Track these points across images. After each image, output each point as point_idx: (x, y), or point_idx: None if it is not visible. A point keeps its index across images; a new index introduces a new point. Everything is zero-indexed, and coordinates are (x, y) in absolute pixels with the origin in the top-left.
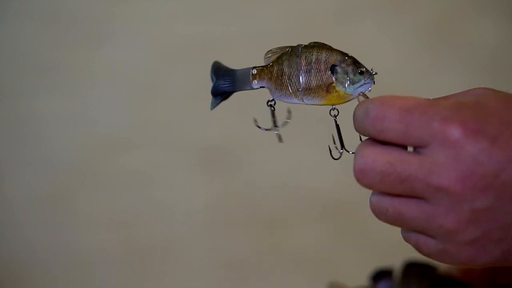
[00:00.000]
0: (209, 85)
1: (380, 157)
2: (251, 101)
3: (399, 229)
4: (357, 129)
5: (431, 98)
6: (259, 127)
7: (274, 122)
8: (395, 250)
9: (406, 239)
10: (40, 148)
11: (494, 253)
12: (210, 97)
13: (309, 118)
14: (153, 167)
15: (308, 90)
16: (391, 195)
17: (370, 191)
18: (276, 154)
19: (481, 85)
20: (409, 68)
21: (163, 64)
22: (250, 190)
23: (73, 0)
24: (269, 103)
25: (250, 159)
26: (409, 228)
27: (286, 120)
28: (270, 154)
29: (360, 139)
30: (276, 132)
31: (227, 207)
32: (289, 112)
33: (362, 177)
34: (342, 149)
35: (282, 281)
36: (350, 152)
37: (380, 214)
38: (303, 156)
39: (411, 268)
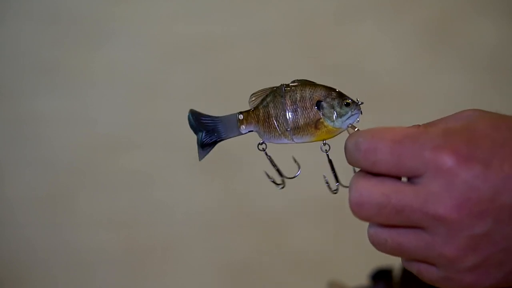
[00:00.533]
0: (209, 85)
1: (374, 190)
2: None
3: None
4: (349, 162)
5: (428, 98)
6: (273, 181)
7: (278, 171)
8: None
9: (408, 268)
10: (40, 148)
11: (496, 276)
12: (210, 97)
13: None
14: (153, 167)
15: (297, 129)
16: (389, 226)
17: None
18: (276, 154)
19: (481, 85)
20: (409, 68)
21: (163, 64)
22: (250, 190)
23: (73, 0)
24: (260, 146)
25: (250, 159)
26: (409, 258)
27: (297, 174)
28: (270, 154)
29: (354, 171)
30: (280, 186)
31: (227, 207)
32: (296, 162)
33: (358, 210)
34: (337, 184)
35: (282, 281)
36: (347, 187)
37: (379, 245)
38: (303, 156)
39: None
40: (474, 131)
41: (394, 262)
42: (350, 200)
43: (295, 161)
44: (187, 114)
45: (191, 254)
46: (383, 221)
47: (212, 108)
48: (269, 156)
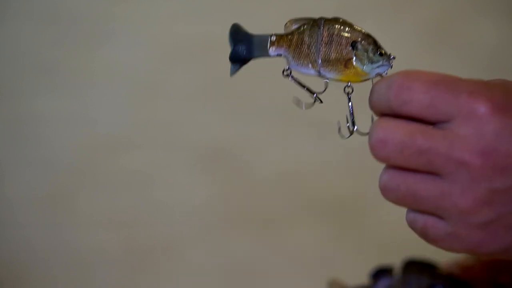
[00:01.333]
0: (209, 85)
1: (401, 128)
2: (252, 100)
3: (399, 229)
4: (374, 105)
5: None
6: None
7: (308, 89)
8: (395, 250)
9: (412, 222)
10: (40, 148)
11: (504, 239)
12: (210, 97)
13: (309, 118)
14: (153, 167)
15: (327, 62)
16: (406, 170)
17: (370, 189)
18: (276, 154)
19: None
20: (409, 68)
21: (163, 64)
22: (250, 190)
23: (73, 0)
24: (285, 72)
25: (250, 159)
26: (418, 208)
27: (323, 91)
28: (270, 154)
29: (372, 121)
30: (315, 95)
31: (227, 207)
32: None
33: (380, 148)
34: (354, 127)
35: (282, 281)
36: (363, 133)
37: (390, 191)
38: (303, 156)
39: (411, 265)
40: (509, 87)
41: (394, 262)
42: (372, 138)
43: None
44: (231, 25)
45: (191, 254)
46: (402, 163)
47: (212, 108)
48: (296, 78)
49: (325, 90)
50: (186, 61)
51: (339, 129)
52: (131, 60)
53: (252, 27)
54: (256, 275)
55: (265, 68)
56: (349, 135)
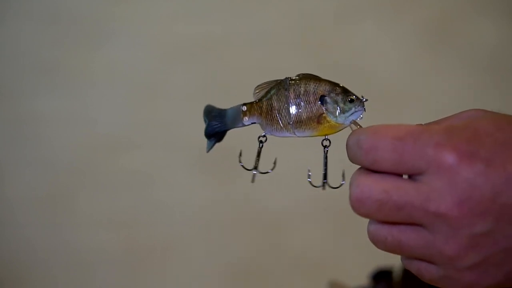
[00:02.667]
0: (209, 85)
1: (376, 186)
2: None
3: None
4: (351, 160)
5: (428, 97)
6: (242, 165)
7: (257, 161)
8: None
9: (407, 266)
10: (40, 148)
11: (497, 276)
12: (210, 97)
13: None
14: (153, 167)
15: (299, 123)
16: (389, 223)
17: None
18: (277, 154)
19: (481, 85)
20: (409, 68)
21: (163, 64)
22: (250, 190)
23: (73, 0)
24: (260, 138)
25: (250, 159)
26: (409, 256)
27: (269, 171)
28: (270, 154)
29: (343, 176)
30: (254, 172)
31: (227, 207)
32: (274, 163)
33: (358, 206)
34: (325, 180)
35: (282, 281)
36: (333, 187)
37: (379, 242)
38: (304, 157)
39: None
40: (476, 129)
41: (395, 263)
42: (351, 196)
43: (274, 163)
44: (204, 107)
45: (191, 254)
46: (383, 218)
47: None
48: (260, 148)
49: (268, 172)
50: (186, 61)
51: (309, 176)
52: (131, 60)
53: (252, 27)
54: (256, 275)
55: (265, 69)
56: (320, 185)
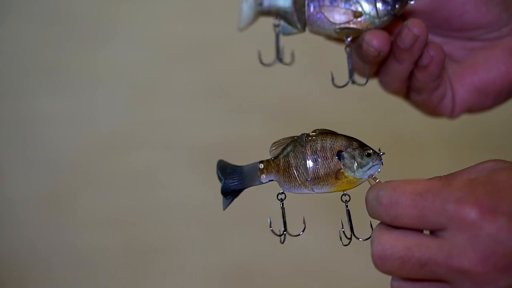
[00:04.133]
0: (209, 85)
1: (397, 243)
2: (251, 100)
3: None
4: (370, 215)
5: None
6: (272, 230)
7: (284, 223)
8: None
9: None
10: (41, 148)
11: None
12: (210, 97)
13: (310, 118)
14: (153, 167)
15: (317, 179)
16: (413, 280)
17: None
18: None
19: None
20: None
21: (163, 64)
22: (250, 190)
23: (73, 1)
24: (279, 196)
25: (250, 159)
26: None
27: (300, 233)
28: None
29: (371, 226)
30: (284, 233)
31: (227, 207)
32: (304, 223)
33: (381, 264)
34: (351, 235)
35: (282, 281)
36: (361, 239)
37: None
38: None
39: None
40: (496, 183)
41: None
42: (373, 254)
43: (304, 221)
44: (217, 162)
45: (191, 254)
46: (406, 275)
47: (212, 108)
48: (283, 208)
49: (300, 234)
50: (186, 61)
51: (340, 238)
52: (132, 61)
53: (252, 27)
54: (256, 275)
55: (265, 69)
56: (348, 242)
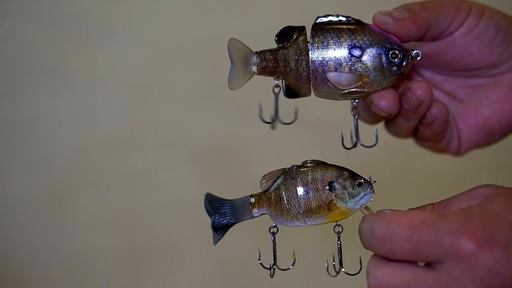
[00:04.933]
0: (209, 85)
1: (394, 277)
2: (251, 100)
3: None
4: (364, 247)
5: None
6: (261, 263)
7: (274, 258)
8: None
9: None
10: (41, 148)
11: None
12: (210, 97)
13: (309, 118)
14: (153, 167)
15: (310, 212)
16: None
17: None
18: (277, 153)
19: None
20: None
21: (163, 64)
22: (250, 190)
23: (73, 1)
24: (271, 229)
25: (250, 158)
26: None
27: (290, 267)
28: (271, 153)
29: (360, 262)
30: (273, 267)
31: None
32: (294, 257)
33: None
34: (340, 268)
35: (282, 281)
36: (350, 274)
37: None
38: (304, 156)
39: None
40: (490, 213)
41: None
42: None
43: (294, 255)
44: (204, 196)
45: (191, 254)
46: None
47: (212, 108)
48: (275, 242)
49: (289, 268)
50: (186, 61)
51: (328, 268)
52: (132, 61)
53: (252, 27)
54: (257, 275)
55: None
56: (335, 274)
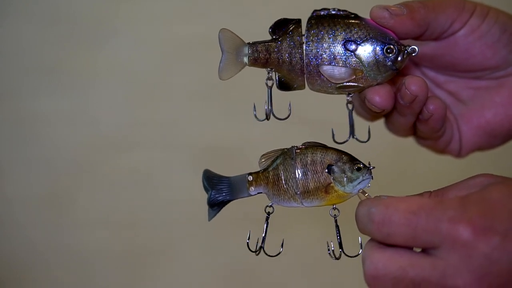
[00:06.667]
0: (209, 85)
1: (390, 262)
2: (251, 100)
3: None
4: (361, 231)
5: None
6: (248, 244)
7: (263, 239)
8: None
9: None
10: (40, 148)
11: None
12: (210, 97)
13: (308, 118)
14: (153, 167)
15: (307, 193)
16: None
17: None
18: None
19: None
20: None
21: (163, 64)
22: None
23: (73, 1)
24: (267, 209)
25: (249, 158)
26: None
27: (274, 255)
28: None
29: (361, 246)
30: (260, 248)
31: (227, 207)
32: (282, 246)
33: (374, 283)
34: (340, 250)
35: (282, 281)
36: (350, 256)
37: None
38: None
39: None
40: (489, 200)
41: None
42: (365, 273)
43: (282, 244)
44: (203, 172)
45: (191, 254)
46: None
47: (212, 108)
48: (267, 223)
49: (275, 255)
50: (186, 61)
51: (330, 252)
52: (131, 61)
53: (252, 27)
54: (257, 275)
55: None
56: (336, 258)
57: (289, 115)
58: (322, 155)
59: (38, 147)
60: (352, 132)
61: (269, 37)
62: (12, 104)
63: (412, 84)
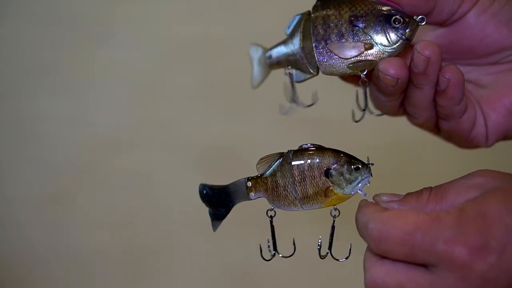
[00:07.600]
0: (209, 85)
1: (389, 278)
2: (251, 100)
3: None
4: (361, 237)
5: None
6: (260, 249)
7: (274, 244)
8: None
9: None
10: (40, 148)
11: None
12: (210, 97)
13: (308, 117)
14: (153, 167)
15: (306, 199)
16: None
17: (367, 186)
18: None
19: None
20: None
21: (163, 64)
22: None
23: (73, 1)
24: (269, 213)
25: (249, 158)
26: None
27: (289, 255)
28: (270, 153)
29: (349, 250)
30: (267, 259)
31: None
32: (294, 244)
33: None
34: (327, 251)
35: (282, 281)
36: (339, 260)
37: None
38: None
39: None
40: (485, 216)
41: None
42: (366, 285)
43: (294, 243)
44: (198, 187)
45: (191, 255)
46: None
47: (212, 108)
48: (273, 226)
49: (289, 256)
50: (186, 61)
51: (319, 246)
52: (131, 61)
53: (252, 27)
54: (256, 276)
55: None
56: (321, 257)
57: (314, 103)
58: (319, 159)
59: (38, 147)
60: (366, 106)
61: (269, 36)
62: (12, 104)
63: (424, 48)
